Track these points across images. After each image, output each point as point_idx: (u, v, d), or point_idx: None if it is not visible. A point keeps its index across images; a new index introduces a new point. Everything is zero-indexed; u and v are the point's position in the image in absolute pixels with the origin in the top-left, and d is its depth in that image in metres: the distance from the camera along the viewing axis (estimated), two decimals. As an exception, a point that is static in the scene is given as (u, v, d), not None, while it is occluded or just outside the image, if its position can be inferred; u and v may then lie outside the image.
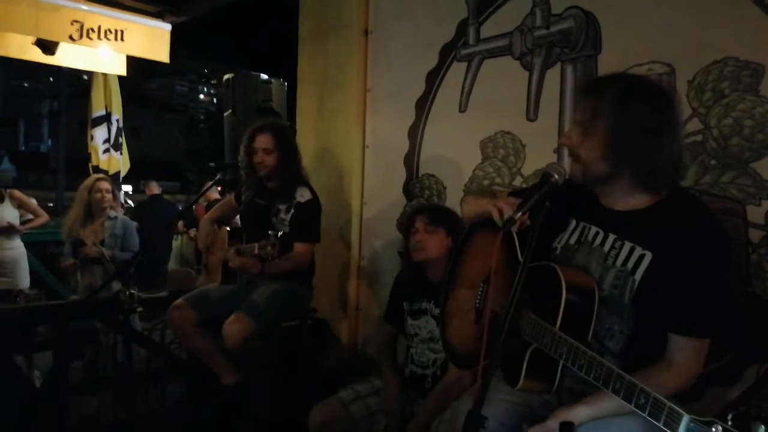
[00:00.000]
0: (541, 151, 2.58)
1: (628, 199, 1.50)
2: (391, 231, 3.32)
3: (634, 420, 1.17)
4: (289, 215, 2.92)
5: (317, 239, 3.00)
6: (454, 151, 3.01)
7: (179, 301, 2.90)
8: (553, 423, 1.41)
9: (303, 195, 2.95)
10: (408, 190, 3.25)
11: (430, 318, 2.37)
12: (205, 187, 4.68)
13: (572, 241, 1.59)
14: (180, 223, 5.47)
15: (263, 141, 2.95)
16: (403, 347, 2.52)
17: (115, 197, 4.30)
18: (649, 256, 1.42)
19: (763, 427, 0.92)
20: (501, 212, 1.53)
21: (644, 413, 1.13)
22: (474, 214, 1.77)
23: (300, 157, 3.08)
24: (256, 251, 2.61)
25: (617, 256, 1.48)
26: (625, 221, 1.49)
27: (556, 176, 1.46)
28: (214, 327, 2.79)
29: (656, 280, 1.41)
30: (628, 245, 1.47)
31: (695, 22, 2.11)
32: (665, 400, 1.10)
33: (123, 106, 6.47)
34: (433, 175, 3.13)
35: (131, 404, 3.15)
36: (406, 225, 2.53)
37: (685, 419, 1.04)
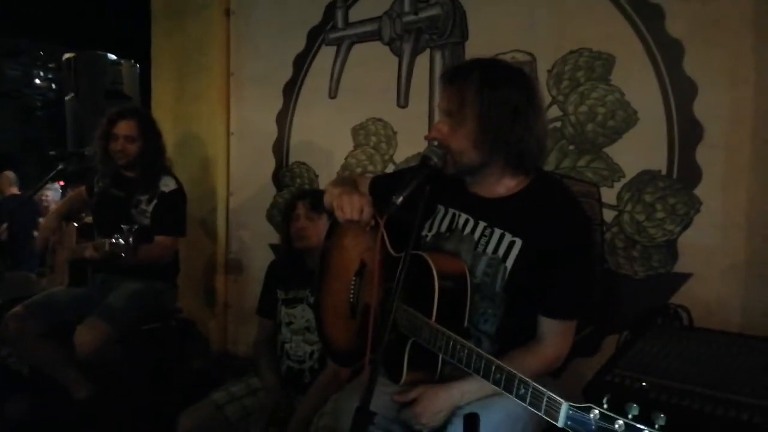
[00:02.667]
0: (412, 137, 2.58)
1: (497, 186, 1.50)
2: (260, 222, 3.18)
3: (513, 402, 1.16)
4: (152, 206, 2.69)
5: (182, 233, 2.80)
6: (325, 138, 2.94)
7: (17, 308, 2.57)
8: (415, 394, 1.43)
9: (167, 184, 2.74)
10: (278, 179, 3.13)
11: (306, 307, 2.29)
12: (45, 180, 4.15)
13: (443, 228, 1.57)
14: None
15: (125, 128, 2.69)
16: (278, 343, 2.42)
17: None
18: (519, 242, 1.43)
19: (635, 406, 0.95)
20: (343, 211, 1.49)
21: (525, 403, 1.12)
22: (329, 205, 1.68)
23: (164, 146, 2.86)
24: (107, 248, 2.35)
25: (488, 243, 1.47)
26: (494, 208, 1.49)
27: (435, 159, 1.42)
28: (63, 335, 2.48)
29: (527, 266, 1.42)
30: (498, 232, 1.47)
31: (554, 13, 2.22)
32: (544, 390, 1.09)
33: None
34: (304, 163, 3.03)
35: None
36: (285, 211, 2.41)
37: (564, 407, 1.04)
